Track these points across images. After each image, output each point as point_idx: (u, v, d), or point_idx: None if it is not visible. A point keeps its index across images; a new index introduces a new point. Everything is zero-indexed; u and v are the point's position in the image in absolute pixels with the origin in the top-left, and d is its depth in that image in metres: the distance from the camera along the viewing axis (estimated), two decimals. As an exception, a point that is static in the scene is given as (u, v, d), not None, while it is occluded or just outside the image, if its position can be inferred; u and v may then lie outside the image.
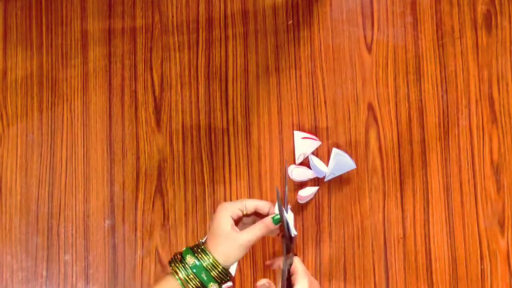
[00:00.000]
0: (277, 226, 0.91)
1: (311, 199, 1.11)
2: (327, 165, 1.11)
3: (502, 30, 1.14)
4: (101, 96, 1.16)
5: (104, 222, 1.12)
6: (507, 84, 1.13)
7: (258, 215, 0.94)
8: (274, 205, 0.92)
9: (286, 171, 1.07)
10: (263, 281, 0.91)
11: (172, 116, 1.15)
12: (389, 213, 1.10)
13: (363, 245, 1.10)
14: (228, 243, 0.89)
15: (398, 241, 1.10)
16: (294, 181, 1.11)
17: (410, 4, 1.16)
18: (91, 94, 1.17)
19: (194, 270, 0.87)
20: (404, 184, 1.11)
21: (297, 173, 1.10)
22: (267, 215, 0.93)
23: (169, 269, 0.89)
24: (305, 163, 1.12)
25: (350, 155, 1.11)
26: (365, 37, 1.15)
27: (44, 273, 1.12)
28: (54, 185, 1.14)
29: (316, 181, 1.12)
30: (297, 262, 0.92)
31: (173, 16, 1.18)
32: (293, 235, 0.93)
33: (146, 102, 1.16)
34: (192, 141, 1.14)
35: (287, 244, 0.93)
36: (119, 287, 1.11)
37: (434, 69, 1.14)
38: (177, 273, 0.88)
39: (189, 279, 0.87)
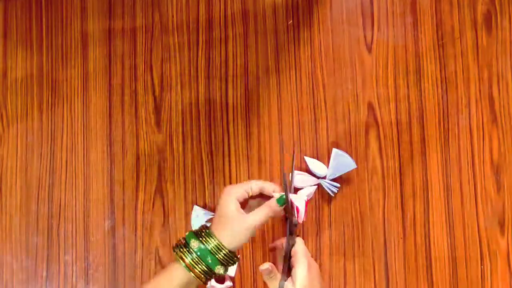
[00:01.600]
0: (282, 207, 0.91)
1: (311, 198, 1.11)
2: (327, 166, 1.11)
3: (502, 30, 1.14)
4: (101, 96, 1.17)
5: (104, 222, 1.13)
6: (507, 84, 1.13)
7: (264, 198, 0.93)
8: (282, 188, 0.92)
9: (293, 158, 1.06)
10: (265, 265, 0.90)
11: (172, 116, 1.15)
12: (389, 213, 1.10)
13: (363, 245, 1.10)
14: (233, 226, 0.88)
15: (398, 241, 1.10)
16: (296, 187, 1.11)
17: (410, 4, 1.16)
18: (91, 94, 1.17)
19: (199, 254, 0.86)
20: (404, 184, 1.11)
21: (298, 179, 1.10)
22: (272, 197, 0.92)
23: (174, 255, 0.88)
24: (304, 168, 1.12)
25: (350, 155, 1.11)
26: (365, 37, 1.15)
27: (44, 273, 1.12)
28: (54, 185, 1.14)
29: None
30: (299, 243, 0.92)
31: (173, 16, 1.18)
32: (295, 223, 0.92)
33: (146, 102, 1.16)
34: (192, 141, 1.14)
35: (291, 226, 0.93)
36: (119, 287, 1.11)
37: (434, 69, 1.14)
38: (182, 259, 0.87)
39: (195, 263, 0.86)
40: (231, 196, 0.90)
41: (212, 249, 0.87)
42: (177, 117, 1.15)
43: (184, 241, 0.88)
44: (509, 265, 1.08)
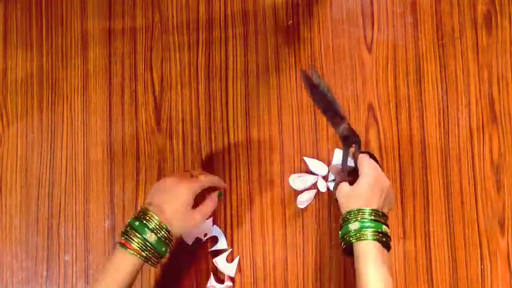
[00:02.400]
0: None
1: (310, 203, 1.11)
2: (327, 165, 1.11)
3: (502, 30, 1.14)
4: (101, 96, 1.16)
5: (104, 222, 1.12)
6: (507, 84, 1.13)
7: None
8: None
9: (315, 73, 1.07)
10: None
11: (172, 116, 1.15)
12: (389, 213, 1.10)
13: (363, 245, 1.10)
14: (185, 221, 0.96)
15: (398, 241, 1.10)
16: (297, 190, 1.11)
17: (410, 4, 1.16)
18: (91, 94, 1.17)
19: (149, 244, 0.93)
20: (404, 184, 1.11)
21: (299, 182, 1.10)
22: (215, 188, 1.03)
23: (119, 246, 0.94)
24: (304, 169, 1.12)
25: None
26: (365, 37, 1.16)
27: (44, 273, 1.12)
28: (54, 185, 1.14)
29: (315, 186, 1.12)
30: (364, 156, 0.99)
31: (173, 16, 1.18)
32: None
33: (146, 102, 1.16)
34: (192, 141, 1.14)
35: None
36: (119, 287, 1.11)
37: (434, 69, 1.14)
38: (128, 244, 0.93)
39: (142, 245, 0.92)
40: (190, 193, 0.96)
41: (162, 235, 0.94)
42: (177, 117, 1.15)
43: (132, 230, 0.93)
44: (509, 265, 1.08)
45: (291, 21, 1.17)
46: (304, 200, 1.09)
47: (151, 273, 1.11)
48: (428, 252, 1.09)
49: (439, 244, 1.09)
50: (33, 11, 1.20)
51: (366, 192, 0.94)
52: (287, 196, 1.11)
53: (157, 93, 1.16)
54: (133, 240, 0.92)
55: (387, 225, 0.94)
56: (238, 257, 1.10)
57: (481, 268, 1.08)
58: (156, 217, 0.93)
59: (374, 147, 1.12)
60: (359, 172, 0.97)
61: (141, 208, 0.95)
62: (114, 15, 1.19)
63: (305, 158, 1.11)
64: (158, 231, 0.92)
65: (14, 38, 1.19)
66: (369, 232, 0.92)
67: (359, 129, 1.13)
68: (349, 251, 0.95)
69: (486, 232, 1.09)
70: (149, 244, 0.92)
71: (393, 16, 1.16)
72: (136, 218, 0.94)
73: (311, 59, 1.16)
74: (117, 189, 1.14)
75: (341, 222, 0.96)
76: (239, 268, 1.10)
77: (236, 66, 1.16)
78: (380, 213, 0.94)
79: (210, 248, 1.11)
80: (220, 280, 1.09)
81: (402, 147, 1.12)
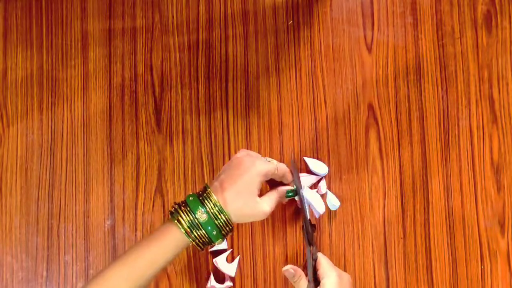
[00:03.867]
0: (287, 199, 0.94)
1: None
2: (327, 166, 1.11)
3: (502, 30, 1.14)
4: (101, 96, 1.16)
5: (104, 222, 1.12)
6: (507, 84, 1.13)
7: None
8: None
9: (293, 161, 1.06)
10: (287, 267, 0.89)
11: (172, 116, 1.15)
12: (389, 213, 1.10)
13: (363, 246, 1.10)
14: (245, 207, 0.86)
15: (398, 241, 1.10)
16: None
17: (410, 5, 1.16)
18: (91, 94, 1.17)
19: (203, 225, 0.84)
20: (404, 184, 1.11)
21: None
22: (282, 183, 0.93)
23: (172, 220, 0.86)
24: (304, 168, 1.12)
25: (350, 155, 1.11)
26: (365, 37, 1.16)
27: (44, 274, 1.12)
28: (54, 185, 1.14)
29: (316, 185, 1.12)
30: (321, 257, 0.91)
31: (173, 17, 1.18)
32: (311, 222, 0.93)
33: (146, 102, 1.16)
34: (192, 141, 1.14)
35: (308, 234, 0.92)
36: (119, 287, 1.11)
37: (434, 69, 1.14)
38: (180, 223, 0.84)
39: (193, 228, 0.84)
40: (260, 175, 0.87)
41: (218, 223, 0.85)
42: (177, 117, 1.15)
43: (185, 205, 0.86)
44: (509, 265, 1.08)
45: (291, 21, 1.17)
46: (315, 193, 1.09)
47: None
48: (428, 252, 1.09)
49: (439, 244, 1.09)
50: (33, 11, 1.20)
51: None
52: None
53: (157, 93, 1.16)
54: (183, 217, 0.84)
55: None
56: (238, 257, 1.10)
57: (481, 268, 1.09)
58: (214, 196, 0.85)
59: (374, 147, 1.12)
60: (318, 272, 0.91)
61: (204, 184, 0.89)
62: (114, 15, 1.19)
63: (305, 158, 1.11)
64: (211, 211, 0.84)
65: (14, 38, 1.19)
66: None
67: (359, 129, 1.13)
68: None
69: (486, 232, 1.09)
70: (197, 224, 0.84)
71: (393, 16, 1.16)
72: (194, 194, 0.87)
73: (311, 59, 1.16)
74: (117, 189, 1.14)
75: None
76: (239, 268, 1.10)
77: (236, 66, 1.16)
78: None
79: (210, 248, 1.11)
80: (220, 280, 1.09)
81: (402, 147, 1.12)
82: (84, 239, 1.12)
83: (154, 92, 1.16)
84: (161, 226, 0.87)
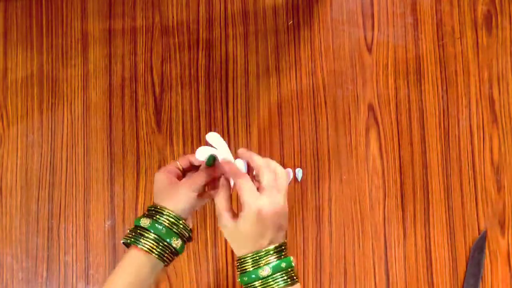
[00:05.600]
0: (213, 166, 0.84)
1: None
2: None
3: (502, 30, 1.14)
4: (101, 97, 1.16)
5: (104, 222, 1.12)
6: (507, 84, 1.13)
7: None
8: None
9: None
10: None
11: (172, 117, 1.15)
12: (389, 213, 1.10)
13: (363, 246, 1.10)
14: (174, 192, 0.82)
15: (398, 241, 1.10)
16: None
17: (410, 5, 1.16)
18: (92, 94, 1.17)
19: (152, 229, 0.80)
20: (404, 184, 1.11)
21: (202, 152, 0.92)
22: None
23: (128, 246, 0.82)
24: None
25: (350, 155, 1.11)
26: (365, 37, 1.16)
27: (44, 274, 1.12)
28: (54, 185, 1.14)
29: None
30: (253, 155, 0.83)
31: (173, 17, 1.18)
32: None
33: (147, 102, 1.16)
34: (192, 141, 1.14)
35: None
36: (120, 287, 1.11)
37: (434, 70, 1.14)
38: (136, 243, 0.80)
39: (152, 242, 0.80)
40: (161, 172, 0.84)
41: (163, 222, 0.80)
42: (177, 117, 1.15)
43: (134, 228, 0.82)
44: (509, 265, 1.08)
45: (291, 21, 1.17)
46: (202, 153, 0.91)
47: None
48: (428, 252, 1.09)
49: (439, 244, 1.09)
50: (33, 11, 1.20)
51: (253, 232, 0.78)
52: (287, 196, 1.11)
53: (157, 93, 1.16)
54: (139, 239, 0.80)
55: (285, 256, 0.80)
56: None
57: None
58: (151, 205, 0.83)
59: (374, 147, 1.12)
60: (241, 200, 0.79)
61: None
62: (114, 15, 1.19)
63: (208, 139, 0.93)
64: (153, 215, 0.81)
65: (14, 38, 1.19)
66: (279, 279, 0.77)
67: (360, 130, 1.13)
68: None
69: (487, 232, 1.09)
70: (152, 235, 0.80)
71: (393, 17, 1.16)
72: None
73: (311, 59, 1.16)
74: (117, 189, 1.14)
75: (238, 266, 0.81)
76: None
77: (236, 66, 1.16)
78: (277, 249, 0.79)
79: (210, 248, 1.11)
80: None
81: (402, 147, 1.12)
82: (84, 239, 1.12)
83: (154, 92, 1.16)
84: (122, 257, 0.82)
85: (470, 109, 1.13)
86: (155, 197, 0.84)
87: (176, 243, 0.81)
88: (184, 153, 1.14)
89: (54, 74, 1.18)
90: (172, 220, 0.81)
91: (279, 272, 0.77)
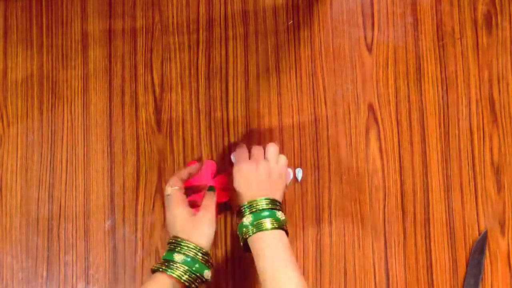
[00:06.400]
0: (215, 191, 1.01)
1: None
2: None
3: (502, 30, 1.14)
4: (101, 97, 1.16)
5: (105, 222, 1.12)
6: (507, 85, 1.13)
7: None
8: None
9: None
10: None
11: (172, 117, 1.15)
12: (389, 213, 1.10)
13: (363, 246, 1.10)
14: (197, 226, 0.95)
15: (398, 241, 1.10)
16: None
17: (410, 5, 1.16)
18: (92, 94, 1.17)
19: (185, 265, 0.91)
20: (404, 184, 1.11)
21: None
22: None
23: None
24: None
25: (351, 155, 1.11)
26: (365, 37, 1.15)
27: (44, 274, 1.12)
28: (54, 185, 1.14)
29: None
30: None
31: (173, 17, 1.18)
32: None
33: (147, 102, 1.16)
34: (192, 142, 1.14)
35: None
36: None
37: (434, 70, 1.14)
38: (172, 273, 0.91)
39: (183, 273, 0.91)
40: (179, 206, 0.96)
41: (195, 256, 0.92)
42: (177, 117, 1.15)
43: (164, 261, 0.93)
44: (509, 265, 1.08)
45: (292, 21, 1.17)
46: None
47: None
48: (428, 252, 1.09)
49: (439, 244, 1.09)
50: (33, 11, 1.20)
51: (240, 186, 0.99)
52: (287, 195, 1.11)
53: (157, 93, 1.16)
54: (168, 268, 0.92)
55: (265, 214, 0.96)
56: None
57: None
58: (173, 238, 0.95)
59: (374, 147, 1.12)
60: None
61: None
62: (114, 15, 1.19)
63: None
64: (179, 248, 0.93)
65: (14, 38, 1.19)
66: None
67: (360, 130, 1.13)
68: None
69: (487, 233, 1.09)
70: (179, 265, 0.91)
71: (393, 17, 1.16)
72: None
73: (311, 59, 1.16)
74: (117, 189, 1.14)
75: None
76: (239, 267, 1.10)
77: (236, 66, 1.16)
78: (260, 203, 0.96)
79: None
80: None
81: (402, 147, 1.12)
82: (84, 240, 1.12)
83: (154, 92, 1.16)
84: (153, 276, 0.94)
85: (470, 109, 1.13)
86: (179, 232, 0.94)
87: (207, 274, 0.93)
88: (184, 153, 1.14)
89: (54, 74, 1.18)
90: (203, 255, 0.93)
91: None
